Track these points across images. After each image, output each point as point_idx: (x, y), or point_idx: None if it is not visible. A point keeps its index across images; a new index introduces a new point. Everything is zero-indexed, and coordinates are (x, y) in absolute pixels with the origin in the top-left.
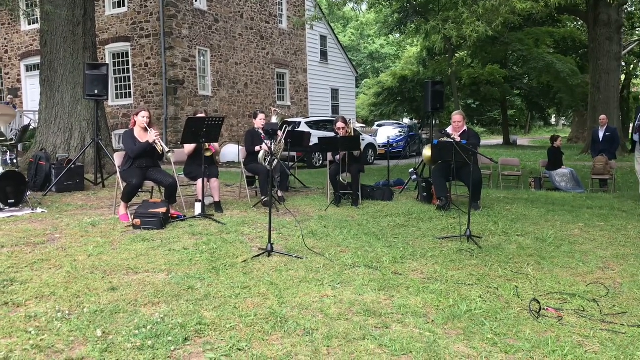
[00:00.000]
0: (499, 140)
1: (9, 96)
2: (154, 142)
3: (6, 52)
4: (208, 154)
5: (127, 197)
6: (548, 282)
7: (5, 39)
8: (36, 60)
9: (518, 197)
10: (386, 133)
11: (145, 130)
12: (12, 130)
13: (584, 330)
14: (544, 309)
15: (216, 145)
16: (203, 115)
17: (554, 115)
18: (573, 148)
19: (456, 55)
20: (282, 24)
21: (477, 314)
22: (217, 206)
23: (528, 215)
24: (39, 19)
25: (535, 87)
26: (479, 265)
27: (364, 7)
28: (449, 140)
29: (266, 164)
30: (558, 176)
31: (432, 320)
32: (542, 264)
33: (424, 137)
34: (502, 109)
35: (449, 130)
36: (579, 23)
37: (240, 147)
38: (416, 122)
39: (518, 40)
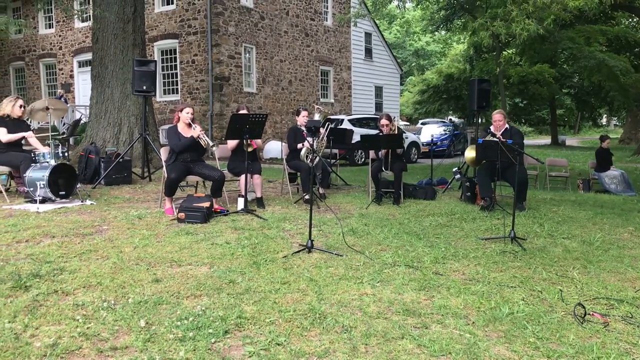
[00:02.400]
0: (547, 140)
1: (60, 90)
2: (198, 137)
3: (60, 48)
4: (250, 149)
5: (169, 190)
6: (594, 286)
7: (60, 35)
8: (88, 56)
9: (565, 199)
10: (430, 131)
11: (189, 125)
12: (64, 124)
13: (632, 337)
14: (589, 314)
15: (259, 141)
16: (245, 111)
17: (604, 115)
18: (625, 149)
19: (504, 53)
20: (327, 21)
21: (520, 317)
22: (259, 202)
23: (575, 218)
24: (91, 17)
25: (586, 86)
26: (522, 267)
27: (409, 4)
28: (494, 139)
29: (308, 161)
30: (608, 178)
31: (473, 322)
32: (588, 267)
33: (469, 136)
34: (550, 108)
35: (493, 128)
36: (634, 20)
37: (283, 144)
38: (463, 120)
39: (568, 39)
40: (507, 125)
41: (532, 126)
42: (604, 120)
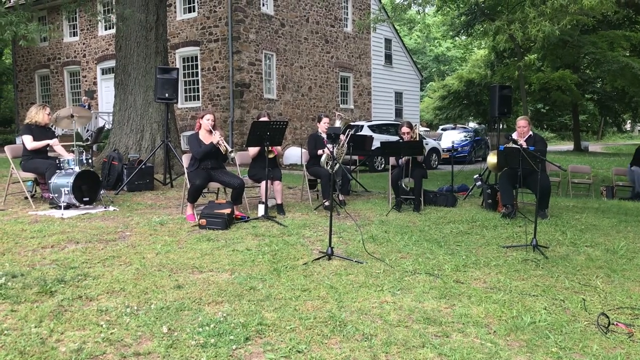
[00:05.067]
0: (569, 146)
1: (84, 97)
2: (218, 142)
3: (84, 56)
4: (271, 156)
5: (192, 197)
6: (618, 295)
7: (84, 43)
8: (111, 64)
9: (588, 206)
10: (451, 137)
11: (210, 132)
12: (87, 130)
13: None
14: (613, 323)
15: (279, 148)
16: (266, 118)
17: (629, 121)
18: None
19: (525, 58)
20: (347, 27)
21: (542, 326)
22: (280, 208)
23: (598, 226)
24: (114, 25)
25: (609, 91)
26: (544, 276)
27: (429, 9)
28: (516, 146)
29: (328, 168)
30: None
31: (494, 331)
32: (612, 276)
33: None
34: (573, 114)
35: (515, 135)
36: None
37: (303, 150)
38: (483, 126)
39: (591, 43)
40: (530, 132)
41: (555, 132)
42: (627, 126)
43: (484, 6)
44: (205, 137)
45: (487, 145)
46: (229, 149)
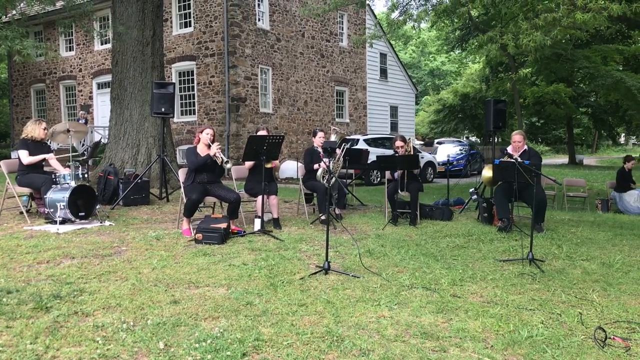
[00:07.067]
0: (564, 159)
1: (81, 112)
2: (214, 155)
3: (80, 70)
4: (268, 165)
5: (188, 212)
6: (615, 309)
7: (80, 58)
8: (107, 78)
9: (584, 220)
10: (446, 151)
11: (209, 146)
12: (82, 144)
13: None
14: (610, 337)
15: (276, 161)
16: (264, 132)
17: (622, 134)
18: None
19: (519, 72)
20: (342, 42)
21: (539, 341)
22: (276, 222)
23: (594, 239)
24: (110, 40)
25: (602, 104)
26: (541, 289)
27: (424, 24)
28: (511, 160)
29: (324, 182)
30: (627, 196)
31: (491, 346)
32: (608, 290)
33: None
34: (567, 128)
35: (510, 149)
36: None
37: (299, 164)
38: (477, 139)
39: (585, 58)
40: (525, 147)
41: (549, 145)
42: (622, 139)
43: (478, 21)
44: (202, 151)
45: (482, 159)
46: (224, 159)
